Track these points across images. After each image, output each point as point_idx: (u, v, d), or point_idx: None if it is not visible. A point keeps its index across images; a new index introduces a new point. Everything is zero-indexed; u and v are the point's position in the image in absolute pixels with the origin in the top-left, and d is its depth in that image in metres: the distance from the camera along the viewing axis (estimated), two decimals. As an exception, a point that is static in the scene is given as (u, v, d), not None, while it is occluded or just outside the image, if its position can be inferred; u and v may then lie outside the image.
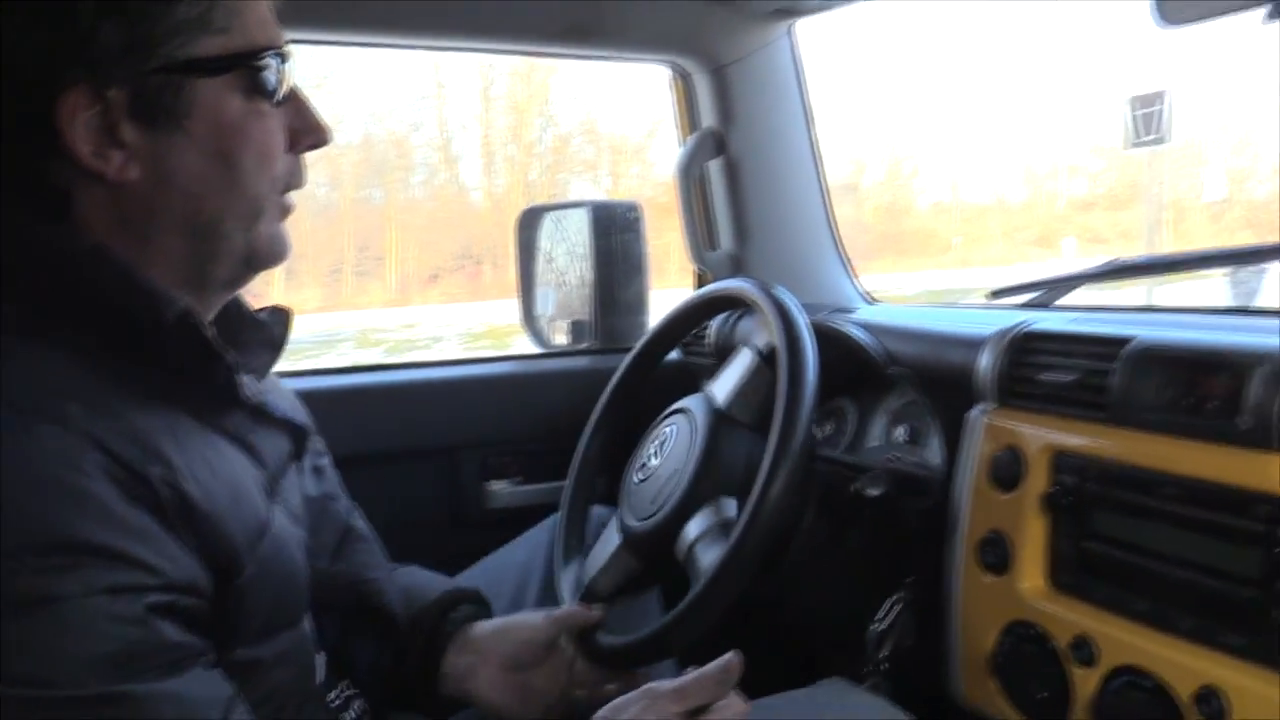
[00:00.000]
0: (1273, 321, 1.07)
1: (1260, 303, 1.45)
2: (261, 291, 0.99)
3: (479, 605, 1.18)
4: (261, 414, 0.91)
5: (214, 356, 0.83)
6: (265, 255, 0.88)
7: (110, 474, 0.71)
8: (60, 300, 0.78)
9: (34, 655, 0.66)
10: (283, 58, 0.84)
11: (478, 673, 1.11)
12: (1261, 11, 1.02)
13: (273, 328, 0.96)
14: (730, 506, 1.15)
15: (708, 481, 1.17)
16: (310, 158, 0.91)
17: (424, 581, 1.18)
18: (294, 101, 0.86)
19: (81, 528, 0.68)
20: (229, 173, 0.82)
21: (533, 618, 1.16)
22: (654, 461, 1.26)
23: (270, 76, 0.83)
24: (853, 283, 1.93)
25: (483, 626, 1.15)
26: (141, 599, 0.70)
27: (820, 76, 1.88)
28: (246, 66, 0.81)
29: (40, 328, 0.77)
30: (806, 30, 1.83)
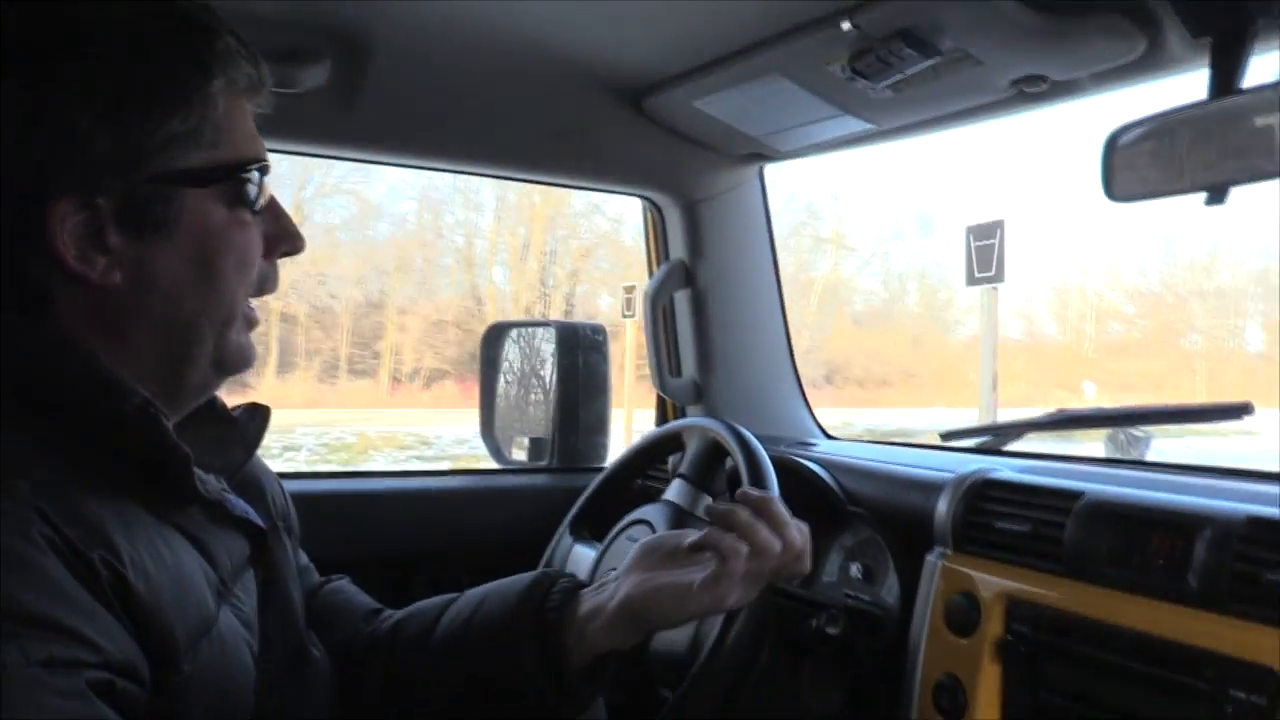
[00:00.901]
0: (1220, 482, 1.12)
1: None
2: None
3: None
4: (219, 512, 0.90)
5: (170, 450, 0.82)
6: (234, 361, 0.89)
7: (55, 548, 0.70)
8: (22, 385, 0.78)
9: None
10: (264, 170, 0.88)
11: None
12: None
13: (248, 426, 0.96)
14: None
15: None
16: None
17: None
18: (271, 210, 0.90)
19: (23, 597, 0.66)
20: (209, 278, 0.84)
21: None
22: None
23: (253, 188, 0.86)
24: (810, 417, 1.97)
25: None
26: (81, 675, 0.68)
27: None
28: (232, 178, 0.84)
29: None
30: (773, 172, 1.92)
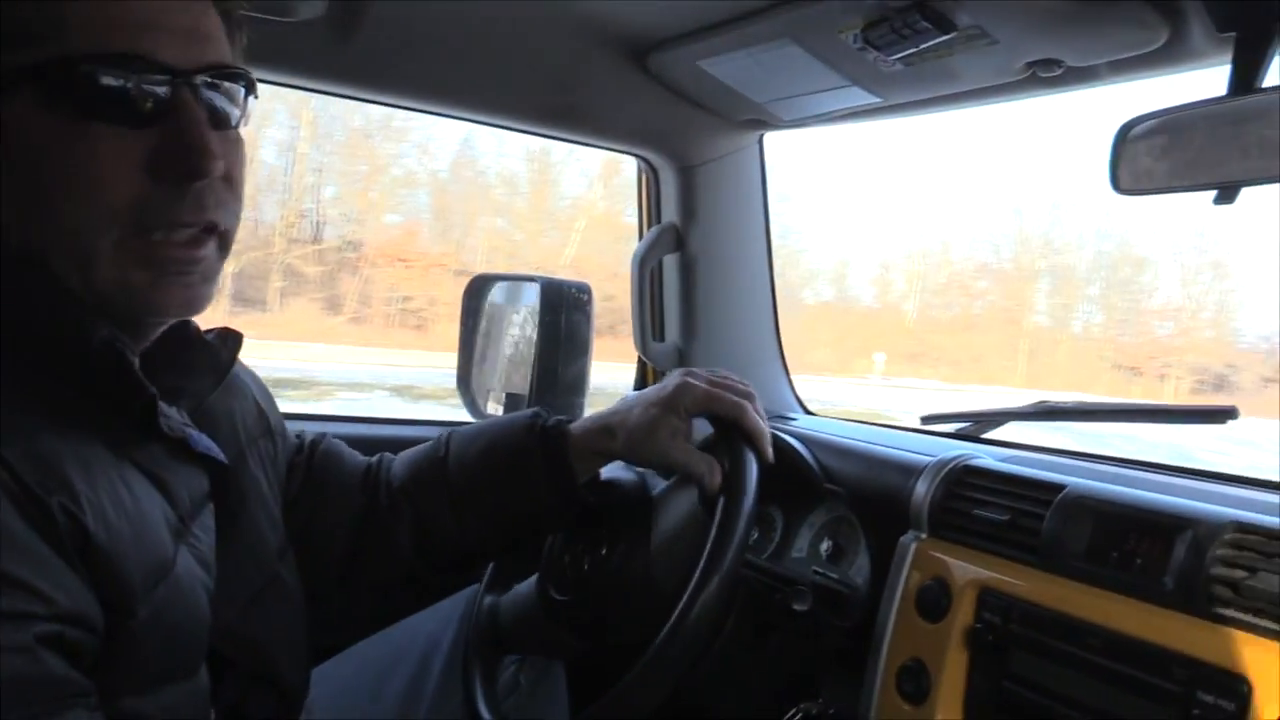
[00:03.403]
0: (1200, 484, 1.11)
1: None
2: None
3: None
4: (181, 449, 0.87)
5: (137, 388, 0.78)
6: (123, 305, 0.78)
7: (10, 494, 0.67)
8: None
9: None
10: (150, 69, 0.74)
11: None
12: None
13: (219, 352, 0.92)
14: None
15: (641, 553, 1.19)
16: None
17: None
18: (171, 119, 0.75)
19: None
20: (45, 203, 0.73)
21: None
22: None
23: (110, 88, 0.72)
24: (792, 391, 1.96)
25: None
26: (30, 627, 0.65)
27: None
28: (65, 77, 0.71)
29: None
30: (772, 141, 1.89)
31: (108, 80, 0.71)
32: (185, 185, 0.77)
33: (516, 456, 1.19)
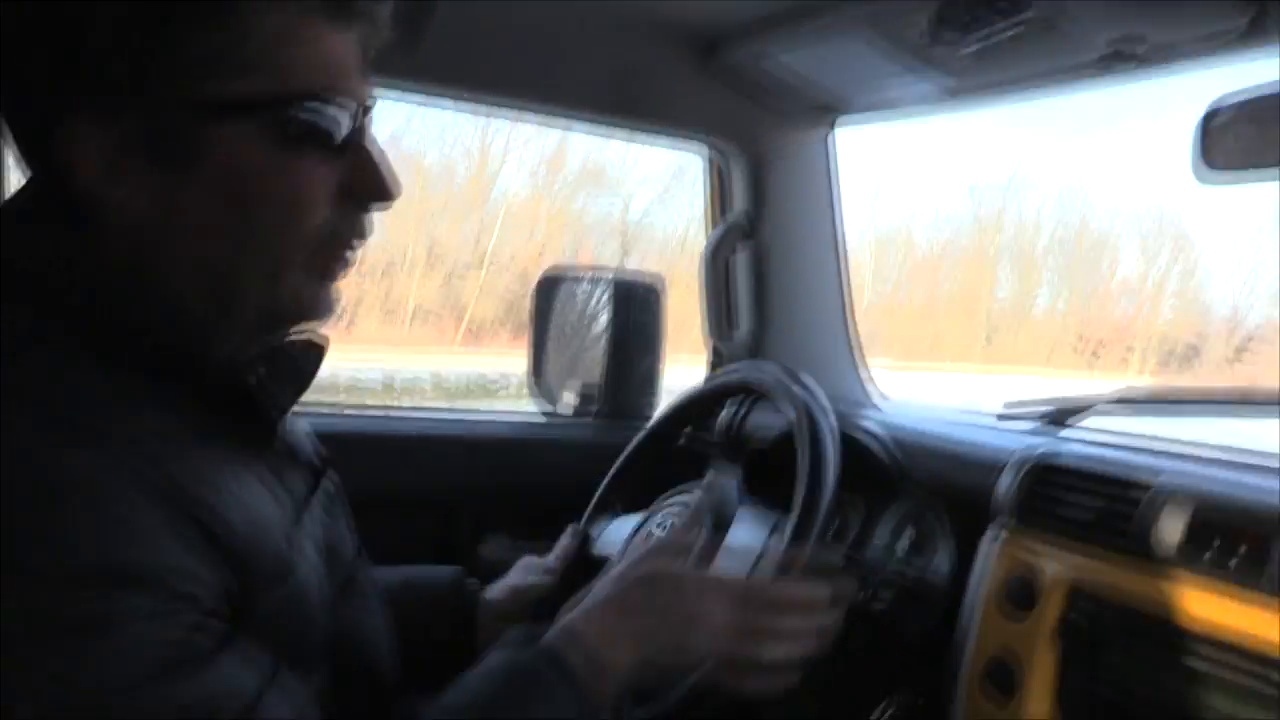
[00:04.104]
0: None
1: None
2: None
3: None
4: (290, 456, 0.89)
5: (261, 404, 0.81)
6: (294, 313, 0.82)
7: (148, 497, 0.68)
8: (104, 322, 0.74)
9: (73, 683, 0.63)
10: (343, 104, 0.77)
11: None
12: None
13: (302, 362, 0.91)
14: None
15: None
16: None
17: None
18: (360, 151, 0.79)
19: (119, 548, 0.66)
20: (245, 225, 0.75)
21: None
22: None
23: (319, 123, 0.75)
24: (866, 380, 1.94)
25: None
26: (180, 622, 0.67)
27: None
28: (276, 110, 0.73)
29: (83, 344, 0.73)
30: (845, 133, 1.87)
31: (313, 116, 0.75)
32: (367, 208, 0.82)
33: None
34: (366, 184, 0.80)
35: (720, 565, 1.16)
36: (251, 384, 0.80)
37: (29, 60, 0.69)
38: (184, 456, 0.72)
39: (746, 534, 1.21)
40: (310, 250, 0.79)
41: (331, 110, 0.76)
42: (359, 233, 0.83)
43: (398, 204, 0.84)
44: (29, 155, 0.74)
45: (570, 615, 0.92)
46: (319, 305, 0.82)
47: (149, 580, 0.66)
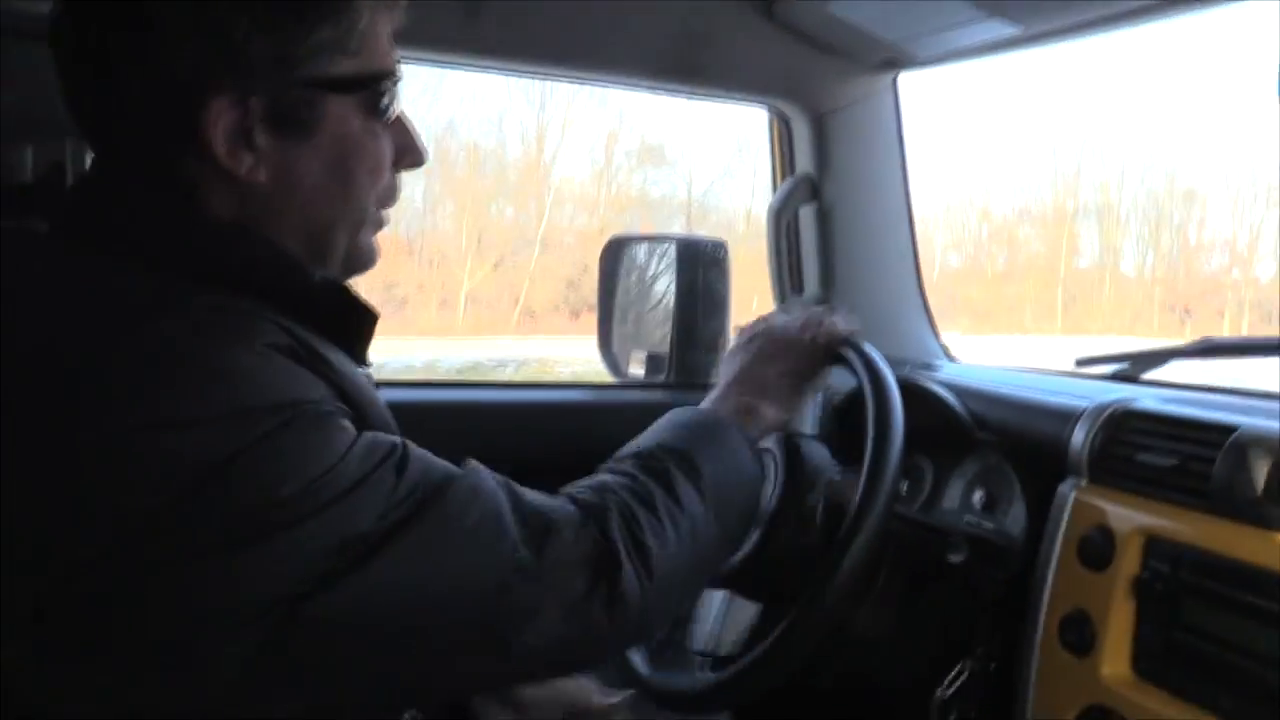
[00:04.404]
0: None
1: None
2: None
3: None
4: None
5: (363, 310, 0.89)
6: (361, 262, 0.95)
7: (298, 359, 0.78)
8: (213, 271, 0.81)
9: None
10: (396, 82, 0.90)
11: None
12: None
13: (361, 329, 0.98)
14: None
15: (791, 512, 1.19)
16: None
17: None
18: (399, 124, 0.92)
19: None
20: (344, 184, 0.88)
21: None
22: None
23: (387, 100, 0.89)
24: (936, 339, 1.91)
25: None
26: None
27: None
28: (370, 88, 0.87)
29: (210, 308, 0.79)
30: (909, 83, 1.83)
31: (388, 91, 0.89)
32: (400, 171, 0.96)
33: None
34: (406, 150, 0.94)
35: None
36: (363, 305, 0.90)
37: (181, 47, 0.78)
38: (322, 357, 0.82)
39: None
40: (377, 207, 0.94)
41: (396, 86, 0.90)
42: (397, 193, 0.97)
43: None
44: (156, 140, 0.82)
45: (708, 398, 1.16)
46: (375, 255, 0.96)
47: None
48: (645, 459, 0.99)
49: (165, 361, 0.71)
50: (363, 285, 0.94)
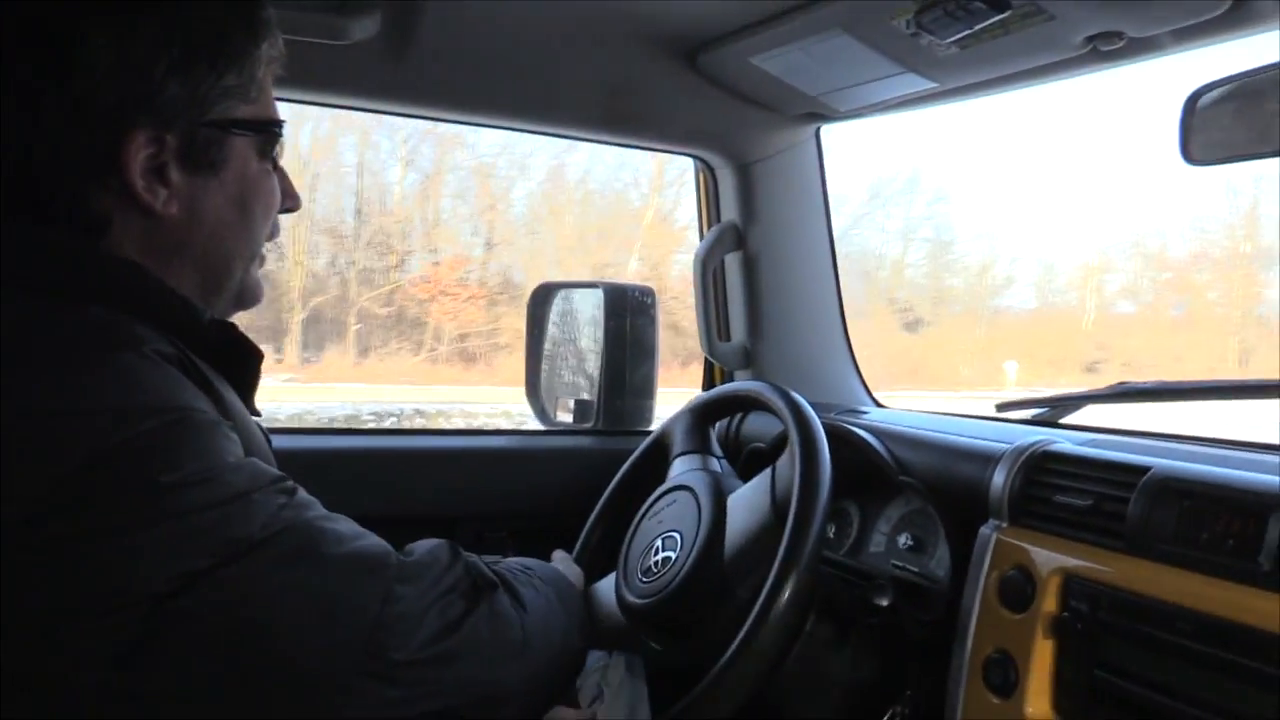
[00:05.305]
0: (1291, 461, 1.07)
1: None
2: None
3: None
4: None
5: (250, 349, 0.95)
6: (251, 295, 1.02)
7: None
8: (110, 300, 0.84)
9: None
10: (281, 129, 0.99)
11: None
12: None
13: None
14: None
15: (716, 554, 1.19)
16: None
17: None
18: (280, 170, 1.01)
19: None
20: (244, 219, 0.96)
21: None
22: (658, 540, 1.26)
23: (277, 145, 0.98)
24: (861, 384, 1.94)
25: None
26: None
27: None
28: (267, 133, 0.96)
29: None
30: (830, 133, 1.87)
31: (279, 137, 0.98)
32: (282, 211, 1.04)
33: None
34: (286, 192, 1.03)
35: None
36: (250, 343, 0.95)
37: (104, 83, 0.83)
38: (213, 386, 0.85)
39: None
40: (263, 243, 1.01)
41: (282, 134, 0.99)
42: (278, 232, 1.05)
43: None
44: (71, 175, 0.86)
45: None
46: (261, 290, 1.03)
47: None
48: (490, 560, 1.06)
49: (56, 360, 0.75)
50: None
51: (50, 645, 0.68)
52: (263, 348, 0.98)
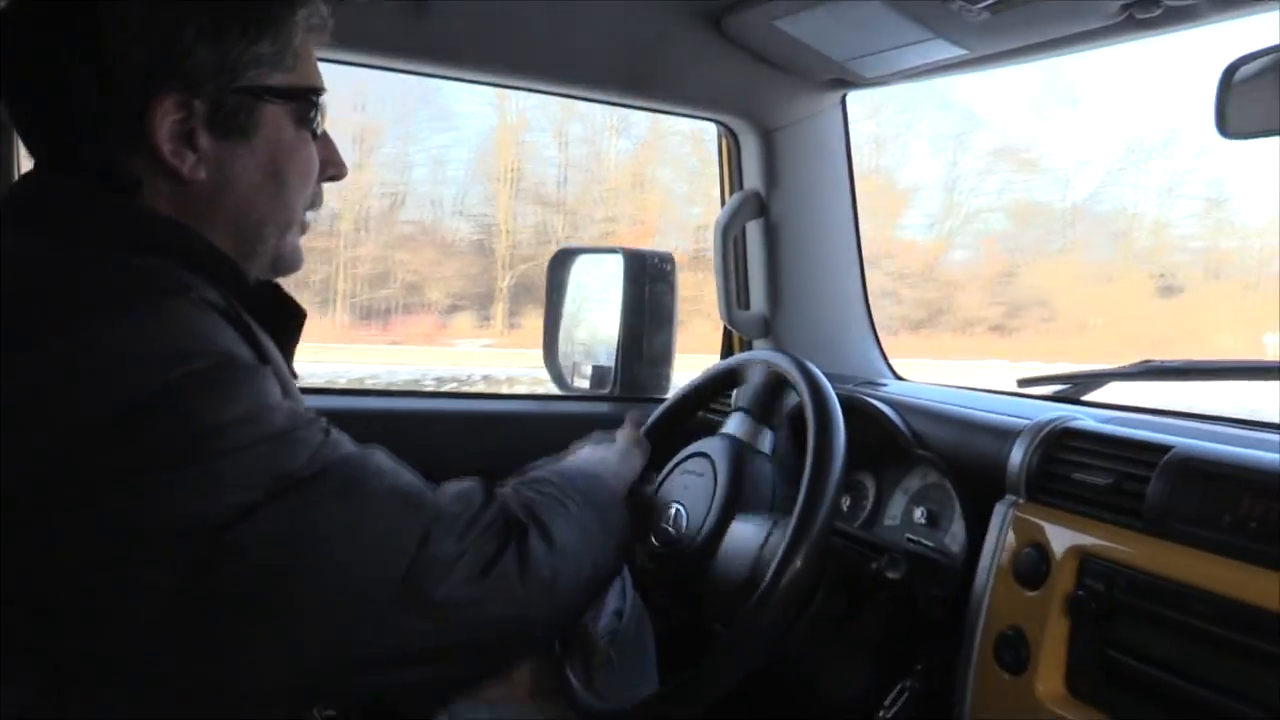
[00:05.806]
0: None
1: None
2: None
3: None
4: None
5: (295, 310, 0.99)
6: (288, 263, 1.02)
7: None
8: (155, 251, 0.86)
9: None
10: (321, 100, 0.99)
11: None
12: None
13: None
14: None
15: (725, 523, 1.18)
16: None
17: None
18: (324, 138, 1.01)
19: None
20: (277, 185, 0.96)
21: None
22: (676, 504, 1.25)
23: (315, 112, 0.97)
24: (881, 356, 1.92)
25: None
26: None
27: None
28: (303, 101, 0.96)
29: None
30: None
31: (317, 105, 0.97)
32: (324, 180, 1.04)
33: None
34: (330, 162, 1.03)
35: (730, 541, 1.16)
36: (294, 303, 0.99)
37: (131, 50, 0.84)
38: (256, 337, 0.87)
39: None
40: (303, 211, 1.01)
41: (319, 103, 0.99)
42: (321, 201, 1.05)
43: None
44: (103, 138, 0.87)
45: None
46: (300, 257, 1.03)
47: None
48: (531, 480, 1.07)
49: (108, 303, 0.76)
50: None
51: (113, 578, 0.71)
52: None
